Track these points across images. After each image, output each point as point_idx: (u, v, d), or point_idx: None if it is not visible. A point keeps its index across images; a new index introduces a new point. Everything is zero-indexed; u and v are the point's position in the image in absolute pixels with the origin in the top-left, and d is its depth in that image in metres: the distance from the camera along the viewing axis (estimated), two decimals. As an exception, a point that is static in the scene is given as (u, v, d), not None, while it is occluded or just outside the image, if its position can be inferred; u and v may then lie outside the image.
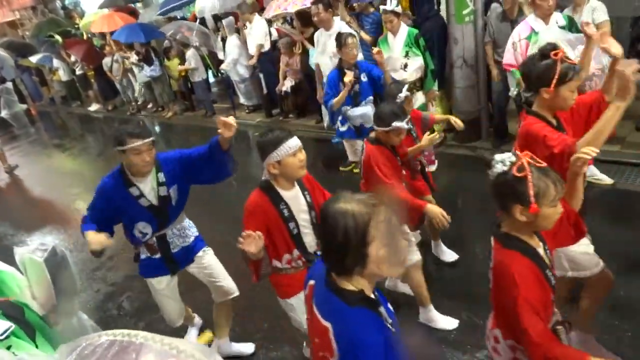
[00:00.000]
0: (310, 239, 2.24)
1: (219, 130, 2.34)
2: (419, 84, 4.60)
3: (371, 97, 4.31)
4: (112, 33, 9.42)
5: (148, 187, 2.49)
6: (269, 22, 7.43)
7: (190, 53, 8.30)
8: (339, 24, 4.76)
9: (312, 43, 5.58)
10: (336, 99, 4.21)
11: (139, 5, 11.44)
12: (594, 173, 4.02)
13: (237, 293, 2.88)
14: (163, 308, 2.85)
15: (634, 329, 2.61)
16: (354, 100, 4.31)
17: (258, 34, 7.17)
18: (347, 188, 1.65)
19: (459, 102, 5.22)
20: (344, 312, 1.29)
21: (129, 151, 2.33)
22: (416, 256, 2.78)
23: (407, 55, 4.50)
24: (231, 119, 2.28)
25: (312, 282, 1.50)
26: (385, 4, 4.59)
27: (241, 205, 2.16)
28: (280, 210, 2.14)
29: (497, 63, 4.65)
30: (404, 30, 4.58)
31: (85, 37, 11.94)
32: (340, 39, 4.16)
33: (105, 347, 1.12)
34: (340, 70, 4.27)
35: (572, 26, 3.88)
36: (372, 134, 2.82)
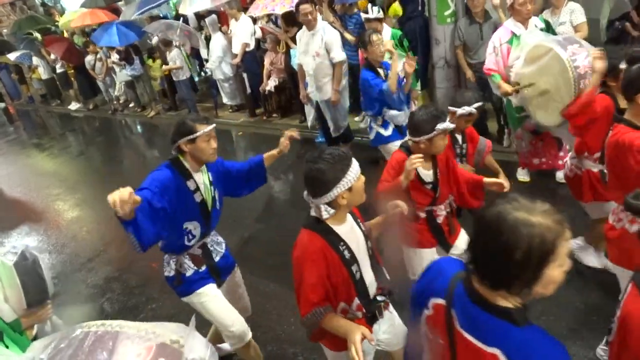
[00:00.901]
0: (370, 279, 1.91)
1: (283, 146, 2.59)
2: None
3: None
4: (94, 30, 9.28)
5: (201, 183, 2.39)
6: (254, 21, 7.40)
7: (174, 52, 8.23)
8: (322, 24, 4.76)
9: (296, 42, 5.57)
10: (390, 80, 3.65)
11: (120, 3, 11.28)
12: None
13: (250, 312, 2.86)
14: (227, 316, 2.48)
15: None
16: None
17: (243, 32, 7.13)
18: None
19: (440, 103, 5.27)
20: (515, 335, 1.12)
21: (200, 138, 2.24)
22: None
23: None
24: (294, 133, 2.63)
25: (439, 301, 1.28)
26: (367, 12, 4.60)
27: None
28: (341, 253, 1.77)
29: (469, 65, 4.69)
30: (387, 32, 4.61)
31: (65, 35, 11.74)
32: (364, 37, 3.88)
33: (80, 338, 1.10)
34: (371, 68, 3.88)
35: (549, 29, 3.94)
36: (409, 142, 2.50)
